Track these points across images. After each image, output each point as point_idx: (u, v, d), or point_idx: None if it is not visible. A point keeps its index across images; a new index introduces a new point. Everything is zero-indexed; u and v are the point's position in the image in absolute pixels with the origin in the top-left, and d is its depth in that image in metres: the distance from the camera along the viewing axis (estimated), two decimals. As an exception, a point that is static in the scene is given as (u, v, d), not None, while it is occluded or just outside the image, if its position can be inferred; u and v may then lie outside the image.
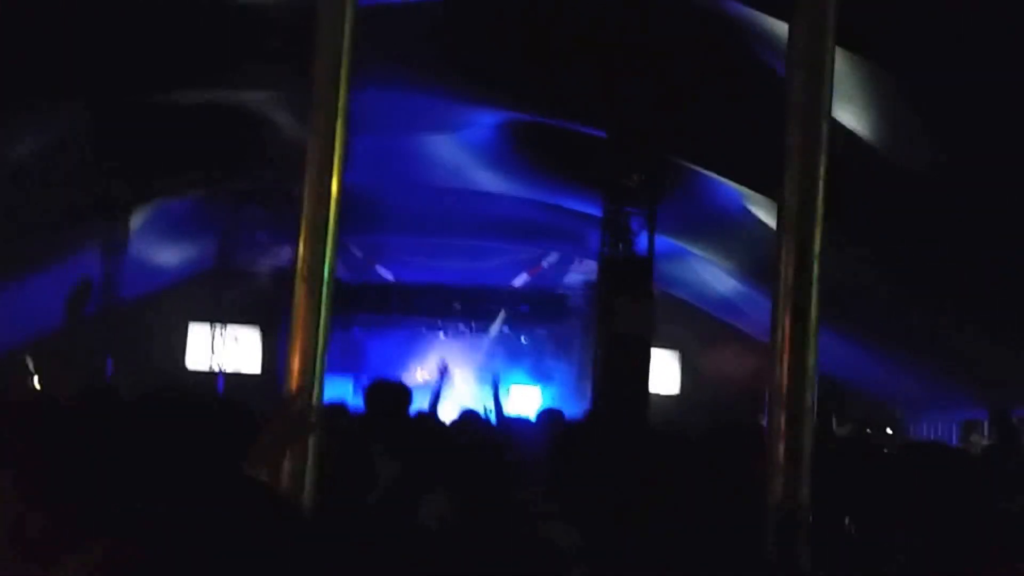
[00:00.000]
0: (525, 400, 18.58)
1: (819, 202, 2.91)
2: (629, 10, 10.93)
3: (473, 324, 20.74)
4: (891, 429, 15.17)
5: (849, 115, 9.84)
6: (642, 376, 12.79)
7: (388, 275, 20.92)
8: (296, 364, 2.96)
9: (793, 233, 2.92)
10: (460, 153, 15.49)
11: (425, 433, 5.97)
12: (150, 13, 10.65)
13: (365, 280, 20.04)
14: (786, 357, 2.87)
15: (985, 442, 12.49)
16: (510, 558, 3.15)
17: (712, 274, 17.78)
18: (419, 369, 19.77)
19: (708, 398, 17.87)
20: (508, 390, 19.99)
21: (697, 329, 19.45)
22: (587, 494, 3.88)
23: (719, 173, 13.14)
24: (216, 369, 19.00)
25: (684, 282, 18.48)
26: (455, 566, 3.16)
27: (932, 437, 15.47)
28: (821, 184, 2.91)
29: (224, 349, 19.24)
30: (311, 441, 2.96)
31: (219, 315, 19.05)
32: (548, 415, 6.69)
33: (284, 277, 18.34)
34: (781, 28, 9.22)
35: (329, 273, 2.98)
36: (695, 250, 16.99)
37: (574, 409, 13.20)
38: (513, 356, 20.68)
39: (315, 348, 2.96)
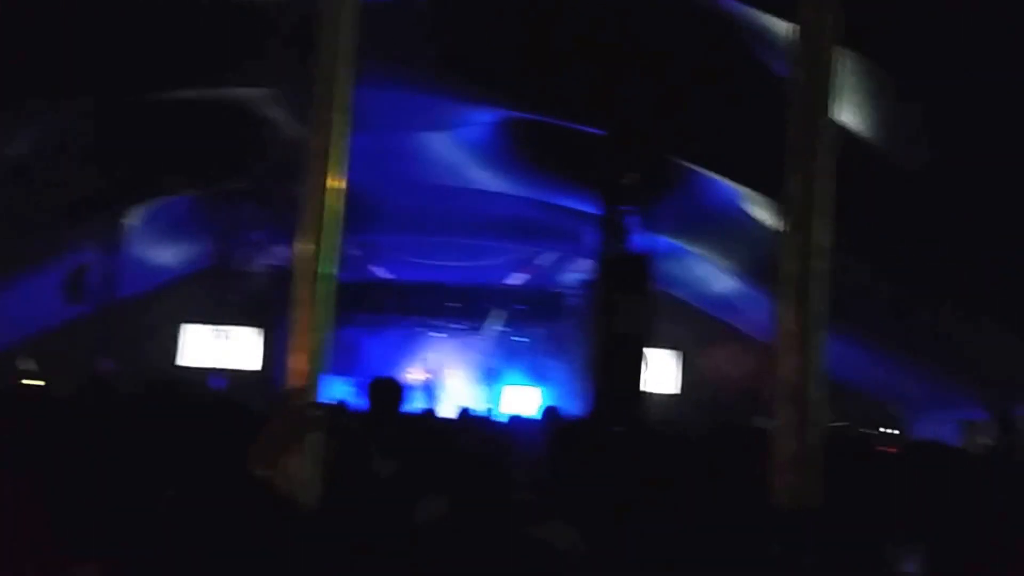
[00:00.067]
0: (522, 400, 18.59)
1: (824, 198, 2.91)
2: (627, 9, 10.92)
3: (470, 323, 20.74)
4: (892, 429, 15.17)
5: (849, 115, 9.83)
6: (638, 375, 12.79)
7: (385, 274, 20.90)
8: (297, 362, 2.95)
9: (797, 229, 2.91)
10: (457, 151, 15.48)
11: (425, 432, 5.96)
12: (149, 12, 10.64)
13: (361, 279, 20.01)
14: (792, 353, 2.86)
15: (987, 441, 12.49)
16: (508, 558, 3.14)
17: (711, 273, 17.77)
18: (415, 368, 19.78)
19: (707, 398, 17.86)
20: (503, 389, 20.03)
21: (696, 329, 19.44)
22: (586, 494, 3.87)
23: (717, 172, 13.14)
24: (212, 367, 19.00)
25: (683, 281, 18.46)
26: (453, 566, 3.15)
27: (933, 437, 15.46)
28: (826, 180, 2.91)
29: (222, 348, 19.25)
30: (312, 441, 2.95)
31: (217, 314, 19.05)
32: (547, 413, 6.69)
33: (282, 276, 18.35)
34: (780, 26, 9.22)
35: (331, 270, 2.97)
36: (694, 249, 16.98)
37: (571, 408, 13.21)
38: (510, 355, 20.68)
39: (316, 346, 2.95)
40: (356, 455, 4.16)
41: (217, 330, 19.28)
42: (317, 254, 2.96)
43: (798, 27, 3.03)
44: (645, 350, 13.02)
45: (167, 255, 18.40)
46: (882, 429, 14.16)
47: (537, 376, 20.22)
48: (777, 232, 3.03)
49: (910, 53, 8.76)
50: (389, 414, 5.46)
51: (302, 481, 2.95)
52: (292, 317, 3.00)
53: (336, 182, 3.00)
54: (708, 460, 3.86)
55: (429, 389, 19.26)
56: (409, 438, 5.25)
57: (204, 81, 12.59)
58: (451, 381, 20.04)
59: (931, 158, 9.99)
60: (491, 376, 20.47)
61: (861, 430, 13.36)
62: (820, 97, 2.97)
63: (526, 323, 20.86)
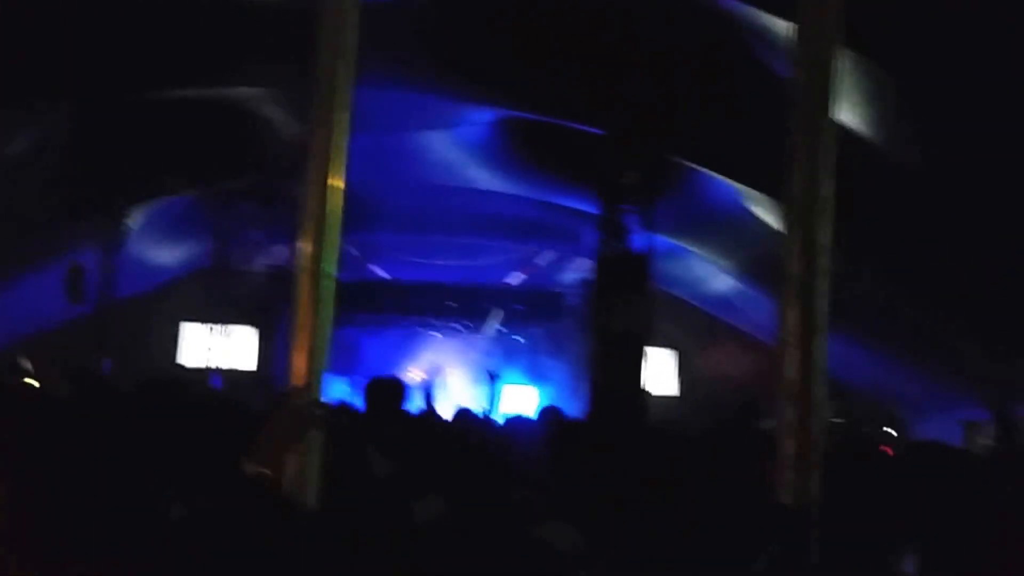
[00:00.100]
0: (521, 399, 18.56)
1: (826, 196, 2.91)
2: (626, 7, 10.92)
3: (468, 323, 20.72)
4: (893, 429, 15.15)
5: (849, 115, 9.83)
6: (638, 376, 12.77)
7: (383, 274, 20.88)
8: (298, 361, 2.95)
9: (800, 227, 2.91)
10: (455, 150, 15.47)
11: (424, 432, 5.96)
12: (147, 11, 10.63)
13: (359, 279, 19.99)
14: (795, 352, 2.86)
15: (988, 442, 12.47)
16: (507, 558, 3.13)
17: (710, 273, 17.76)
18: (414, 368, 19.77)
19: (706, 398, 17.85)
20: (503, 389, 20.01)
21: (695, 328, 19.43)
22: (585, 493, 3.87)
23: (717, 171, 13.13)
24: (211, 366, 18.99)
25: (682, 281, 18.46)
26: (452, 566, 3.14)
27: (934, 437, 15.42)
28: (828, 178, 2.91)
29: (219, 347, 19.24)
30: (312, 440, 2.95)
31: (214, 313, 19.04)
32: (547, 413, 6.67)
33: (279, 276, 18.35)
34: (779, 25, 9.22)
35: (332, 269, 2.97)
36: (693, 249, 16.98)
37: (570, 408, 13.19)
38: (508, 355, 20.66)
39: (317, 345, 2.95)
40: (353, 455, 4.15)
41: (214, 329, 19.26)
42: (319, 253, 2.96)
43: (798, 26, 3.03)
44: (645, 350, 13.01)
45: (166, 254, 18.39)
46: (885, 429, 14.13)
47: (536, 376, 20.21)
48: (779, 231, 3.03)
49: (910, 53, 8.75)
50: (388, 414, 5.46)
51: (301, 480, 2.94)
52: (294, 316, 3.00)
53: (336, 181, 3.00)
54: (708, 459, 3.85)
55: (428, 389, 19.22)
56: (408, 438, 5.24)
57: (203, 81, 12.59)
58: (450, 380, 20.02)
59: (931, 158, 9.99)
60: (490, 376, 20.44)
61: (864, 431, 13.34)
62: (822, 96, 2.97)
63: (525, 323, 20.84)
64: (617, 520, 3.34)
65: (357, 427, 5.23)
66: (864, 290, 12.41)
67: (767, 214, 13.25)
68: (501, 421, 8.12)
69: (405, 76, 12.13)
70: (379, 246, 20.14)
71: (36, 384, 9.79)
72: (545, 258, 20.87)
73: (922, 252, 11.27)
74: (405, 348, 20.50)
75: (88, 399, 5.09)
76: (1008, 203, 9.46)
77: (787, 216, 2.98)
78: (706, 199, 14.29)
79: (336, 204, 2.98)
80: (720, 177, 13.26)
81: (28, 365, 10.74)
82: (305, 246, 2.97)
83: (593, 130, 12.96)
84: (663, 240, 14.93)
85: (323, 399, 3.07)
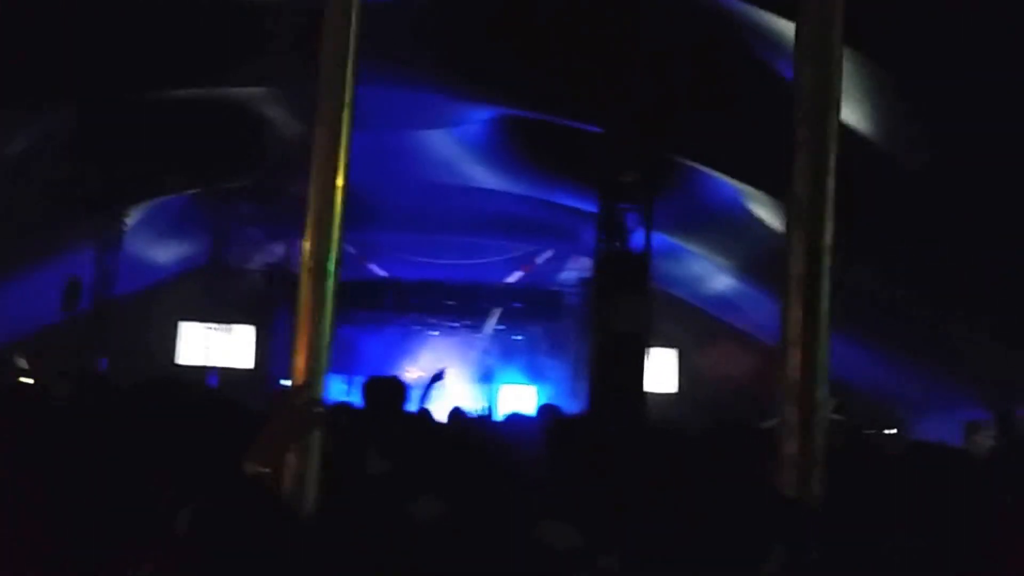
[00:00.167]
0: (519, 399, 18.55)
1: (829, 195, 2.90)
2: (626, 6, 10.91)
3: (467, 321, 20.71)
4: (894, 430, 15.13)
5: (849, 114, 9.82)
6: (638, 374, 12.76)
7: (382, 272, 20.88)
8: (299, 360, 2.94)
9: (803, 226, 2.90)
10: (456, 149, 15.46)
11: (422, 432, 5.94)
12: (147, 11, 10.62)
13: (359, 277, 19.97)
14: (797, 351, 2.85)
15: (989, 442, 12.46)
16: (507, 558, 3.12)
17: (710, 272, 17.76)
18: (412, 367, 19.75)
19: (706, 397, 17.84)
20: (500, 388, 19.99)
21: (695, 327, 19.42)
22: (585, 492, 3.86)
23: (717, 170, 13.13)
24: (209, 365, 18.97)
25: (682, 280, 18.46)
26: (452, 566, 3.14)
27: (935, 438, 15.41)
28: (831, 177, 2.90)
29: (217, 346, 19.22)
30: (313, 440, 2.93)
31: (212, 312, 19.03)
32: (546, 411, 6.66)
33: (277, 274, 18.36)
34: (779, 24, 9.21)
35: (334, 267, 2.96)
36: (693, 248, 16.97)
37: (569, 407, 13.17)
38: (507, 354, 20.65)
39: (319, 344, 2.94)
40: (351, 454, 4.14)
41: (212, 327, 19.23)
42: (323, 248, 2.96)
43: (799, 25, 3.02)
44: (644, 349, 13.00)
45: (164, 253, 18.39)
46: (887, 430, 14.13)
47: (534, 375, 20.20)
48: (781, 231, 3.03)
49: (910, 53, 8.75)
50: (388, 413, 5.44)
51: (300, 480, 2.93)
52: (295, 315, 2.99)
53: (339, 180, 2.99)
54: (708, 458, 3.84)
55: (426, 388, 19.17)
56: (407, 437, 5.23)
57: (204, 80, 12.58)
58: (449, 380, 19.99)
59: (931, 158, 9.98)
60: (488, 375, 20.44)
61: (865, 432, 13.34)
62: (824, 95, 2.96)
63: (524, 321, 20.83)
64: (617, 519, 3.33)
65: (356, 426, 5.21)
66: (865, 290, 12.41)
67: (767, 213, 13.25)
68: (499, 420, 8.11)
69: (406, 75, 12.13)
70: (379, 244, 20.14)
71: (32, 383, 9.80)
72: (545, 257, 20.88)
73: (923, 252, 11.26)
74: (404, 347, 20.49)
75: (86, 398, 5.07)
76: (1008, 203, 9.46)
77: (789, 215, 2.97)
78: (706, 198, 14.29)
79: (340, 201, 2.97)
80: (720, 176, 13.25)
81: (24, 364, 10.74)
82: (309, 243, 2.97)
83: (593, 129, 12.96)
84: (663, 239, 14.92)
85: (326, 397, 3.06)
